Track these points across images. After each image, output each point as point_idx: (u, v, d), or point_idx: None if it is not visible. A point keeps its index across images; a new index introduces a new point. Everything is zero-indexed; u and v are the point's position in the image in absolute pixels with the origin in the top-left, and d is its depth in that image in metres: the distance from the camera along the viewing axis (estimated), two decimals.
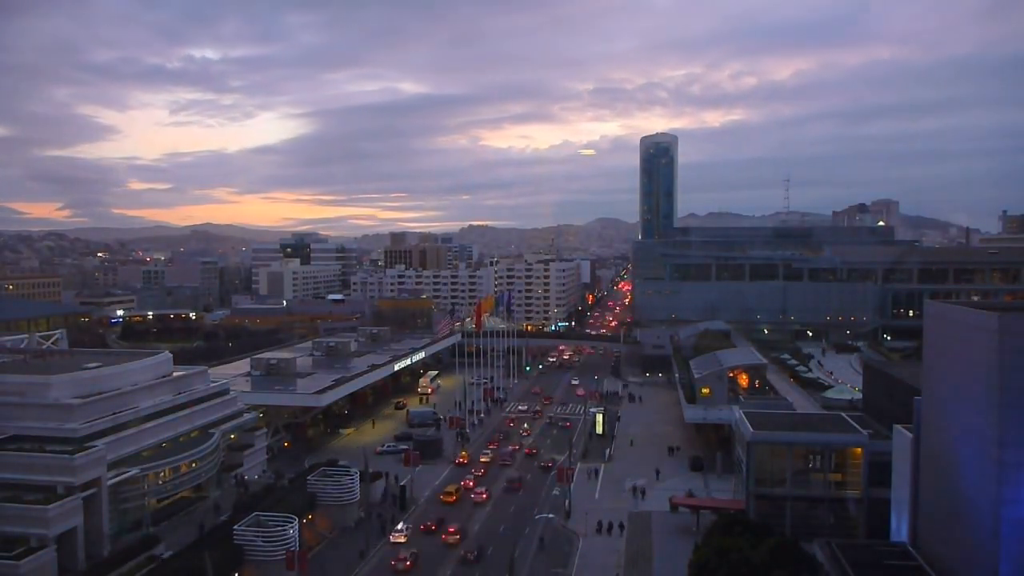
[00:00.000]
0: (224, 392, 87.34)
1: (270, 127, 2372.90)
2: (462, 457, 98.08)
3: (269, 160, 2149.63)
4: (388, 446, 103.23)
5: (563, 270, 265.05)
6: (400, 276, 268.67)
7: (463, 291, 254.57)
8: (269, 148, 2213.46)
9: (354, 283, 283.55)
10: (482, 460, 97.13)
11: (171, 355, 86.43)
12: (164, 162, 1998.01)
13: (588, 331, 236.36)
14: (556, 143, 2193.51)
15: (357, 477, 76.74)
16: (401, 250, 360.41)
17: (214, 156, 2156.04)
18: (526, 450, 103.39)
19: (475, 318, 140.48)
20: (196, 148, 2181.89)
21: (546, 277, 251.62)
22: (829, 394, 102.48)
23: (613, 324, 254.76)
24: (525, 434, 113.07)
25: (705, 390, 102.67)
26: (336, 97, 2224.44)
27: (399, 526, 72.99)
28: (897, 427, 56.96)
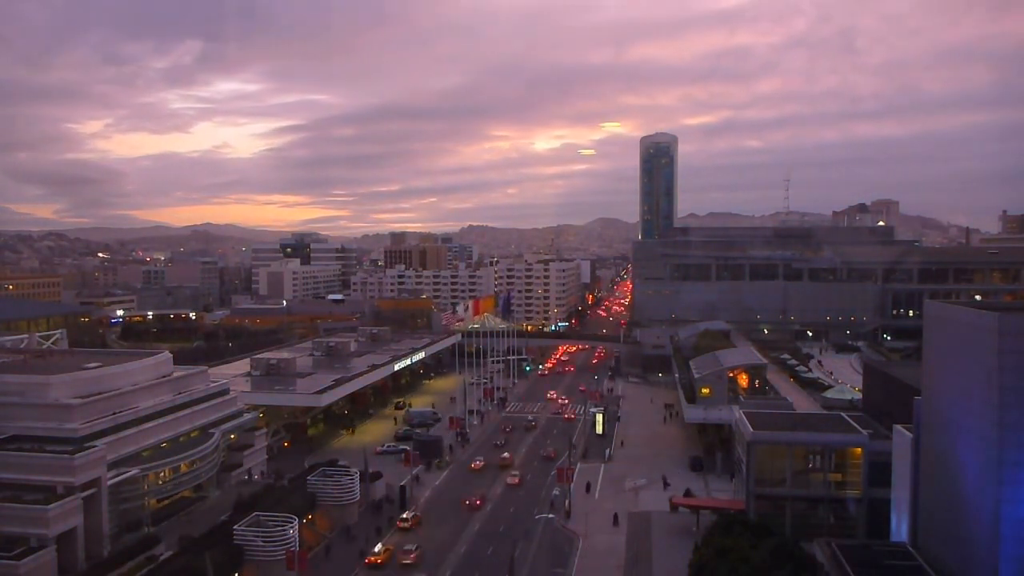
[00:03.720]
0: (224, 392, 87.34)
1: (205, 138, 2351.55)
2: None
3: (230, 166, 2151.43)
4: (388, 446, 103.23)
5: (563, 270, 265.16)
6: (400, 276, 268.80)
7: (463, 291, 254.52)
8: (216, 155, 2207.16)
9: (354, 283, 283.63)
10: None
11: (171, 355, 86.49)
12: (127, 166, 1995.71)
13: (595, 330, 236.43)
14: (488, 147, 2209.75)
15: (357, 477, 76.83)
16: (401, 250, 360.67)
17: (163, 160, 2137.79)
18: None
19: (472, 311, 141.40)
20: (147, 152, 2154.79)
21: (546, 277, 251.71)
22: (829, 394, 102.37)
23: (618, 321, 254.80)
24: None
25: (705, 390, 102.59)
26: (268, 109, 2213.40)
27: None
28: (897, 427, 56.95)
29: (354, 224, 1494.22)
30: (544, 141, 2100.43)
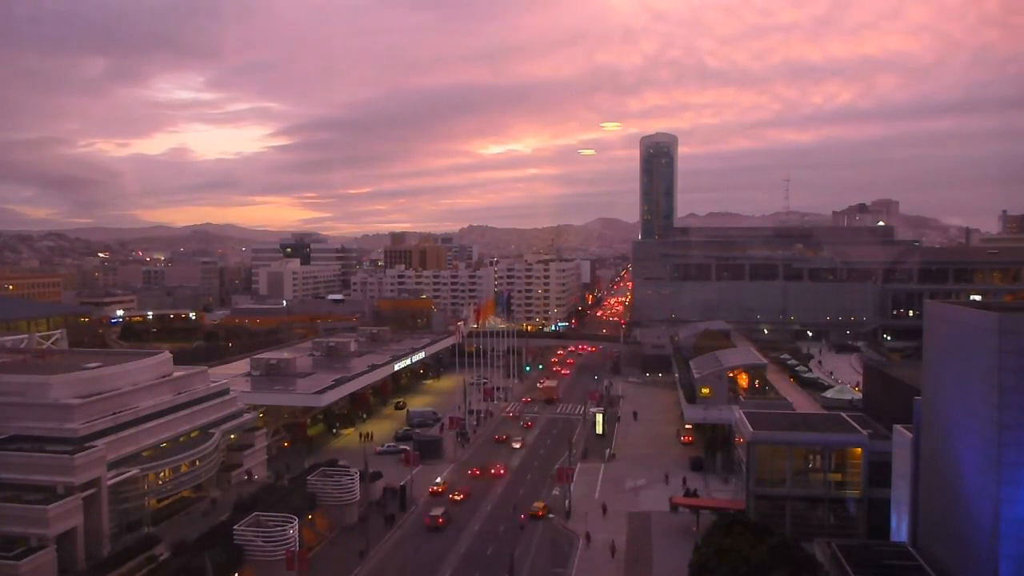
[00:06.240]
0: (224, 392, 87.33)
1: (166, 142, 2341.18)
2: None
3: (206, 170, 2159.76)
4: (388, 446, 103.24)
5: (563, 270, 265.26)
6: (400, 276, 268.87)
7: (463, 291, 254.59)
8: (187, 159, 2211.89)
9: (354, 283, 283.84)
10: None
11: (171, 355, 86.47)
12: (112, 166, 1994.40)
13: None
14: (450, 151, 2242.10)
15: (357, 477, 76.82)
16: (401, 250, 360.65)
17: (137, 163, 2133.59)
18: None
19: (476, 317, 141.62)
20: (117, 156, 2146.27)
21: (546, 277, 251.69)
22: (829, 394, 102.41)
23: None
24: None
25: (705, 390, 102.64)
26: (226, 116, 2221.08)
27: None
28: (897, 427, 56.94)
29: (340, 224, 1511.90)
30: (495, 147, 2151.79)
